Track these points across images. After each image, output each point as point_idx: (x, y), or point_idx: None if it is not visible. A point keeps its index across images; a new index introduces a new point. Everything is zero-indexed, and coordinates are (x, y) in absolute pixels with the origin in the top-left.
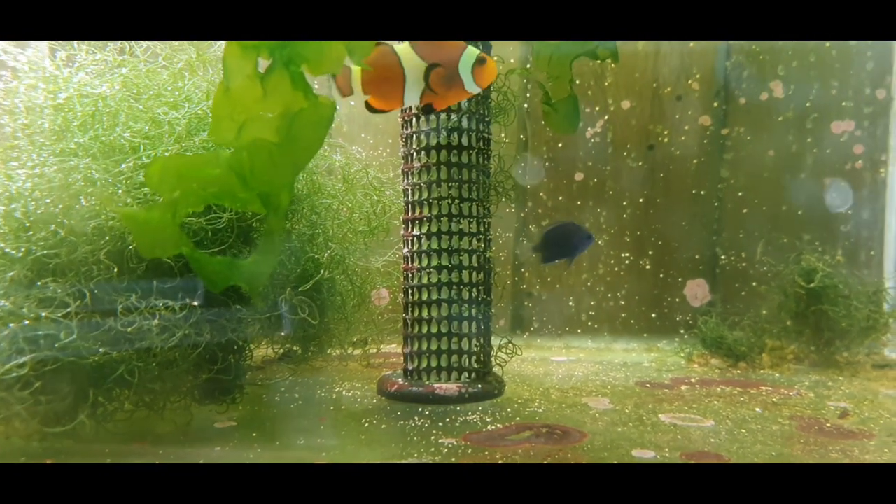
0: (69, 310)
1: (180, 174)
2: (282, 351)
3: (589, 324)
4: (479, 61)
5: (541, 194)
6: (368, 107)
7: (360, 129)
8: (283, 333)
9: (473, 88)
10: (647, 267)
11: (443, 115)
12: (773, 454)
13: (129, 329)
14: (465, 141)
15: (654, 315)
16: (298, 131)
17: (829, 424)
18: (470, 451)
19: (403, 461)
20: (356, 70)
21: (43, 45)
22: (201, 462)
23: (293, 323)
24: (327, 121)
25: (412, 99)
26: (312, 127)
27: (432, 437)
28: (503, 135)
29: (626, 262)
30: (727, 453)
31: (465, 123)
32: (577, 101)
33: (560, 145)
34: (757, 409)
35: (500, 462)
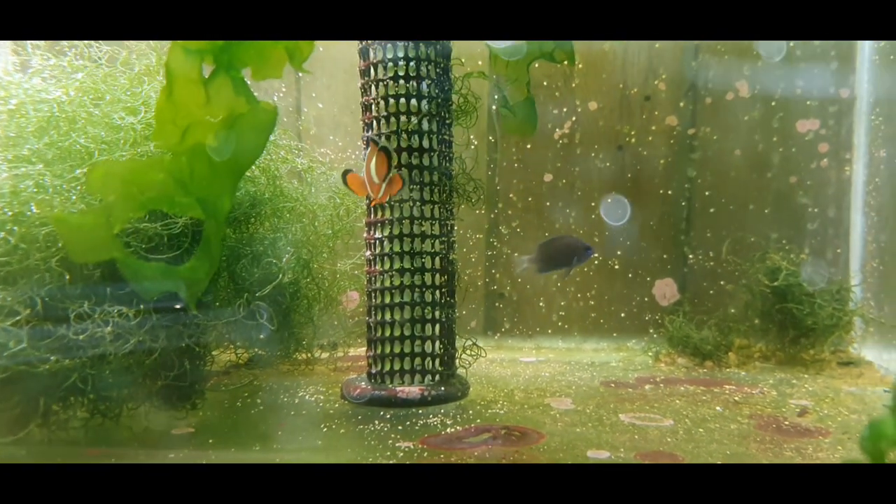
0: (19, 318)
1: (124, 179)
2: (246, 355)
3: (559, 324)
4: None
5: (510, 195)
6: None
7: (330, 131)
8: (260, 337)
9: None
10: (617, 267)
11: (402, 118)
12: (728, 453)
13: (81, 336)
14: (425, 144)
15: (623, 315)
16: (238, 136)
17: (786, 423)
18: (426, 454)
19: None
20: None
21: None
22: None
23: (256, 328)
24: (268, 126)
25: None
26: (253, 132)
27: (389, 441)
28: (472, 136)
29: (596, 262)
30: (682, 453)
31: (425, 126)
32: (534, 104)
33: (529, 147)
34: (718, 408)
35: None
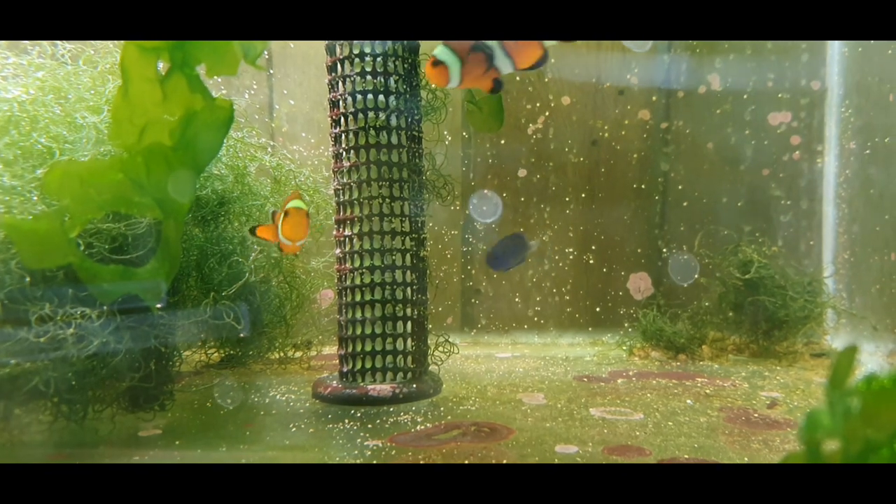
0: None
1: (82, 180)
2: (218, 355)
3: (535, 319)
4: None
5: (485, 191)
6: None
7: (302, 128)
8: (229, 336)
9: (282, 240)
10: (591, 261)
11: (370, 114)
12: (696, 446)
13: (41, 339)
14: (394, 140)
15: (598, 309)
16: (195, 134)
17: (756, 415)
18: (394, 452)
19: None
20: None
21: None
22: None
23: (225, 328)
24: (225, 122)
25: None
26: (209, 129)
27: (358, 440)
28: (445, 132)
29: (571, 257)
30: (650, 447)
31: (393, 122)
32: (501, 100)
33: (503, 142)
34: (688, 401)
35: (420, 462)
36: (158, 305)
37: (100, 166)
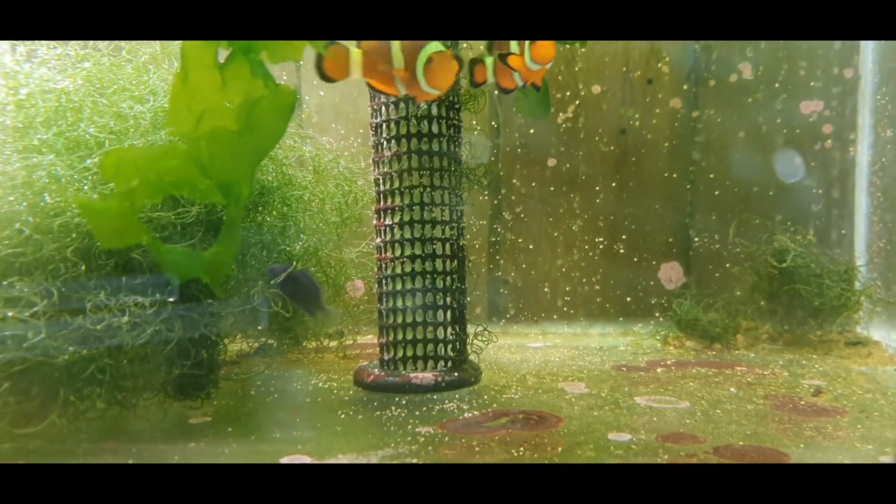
0: (36, 309)
1: (137, 166)
2: (256, 345)
3: (565, 309)
4: (429, 60)
5: (514, 181)
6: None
7: (331, 119)
8: (259, 327)
9: (427, 89)
10: (622, 251)
11: (411, 103)
12: (748, 433)
13: (98, 327)
14: (434, 129)
15: (629, 299)
16: (258, 119)
17: (802, 402)
18: (447, 438)
19: (382, 454)
20: (355, 53)
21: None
22: (176, 459)
23: (267, 316)
24: (288, 108)
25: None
26: (273, 115)
27: (409, 427)
28: (475, 122)
29: (601, 246)
30: (702, 434)
31: (434, 111)
32: (547, 87)
33: (532, 131)
34: (732, 390)
35: (476, 449)
36: (172, 299)
37: (155, 153)
